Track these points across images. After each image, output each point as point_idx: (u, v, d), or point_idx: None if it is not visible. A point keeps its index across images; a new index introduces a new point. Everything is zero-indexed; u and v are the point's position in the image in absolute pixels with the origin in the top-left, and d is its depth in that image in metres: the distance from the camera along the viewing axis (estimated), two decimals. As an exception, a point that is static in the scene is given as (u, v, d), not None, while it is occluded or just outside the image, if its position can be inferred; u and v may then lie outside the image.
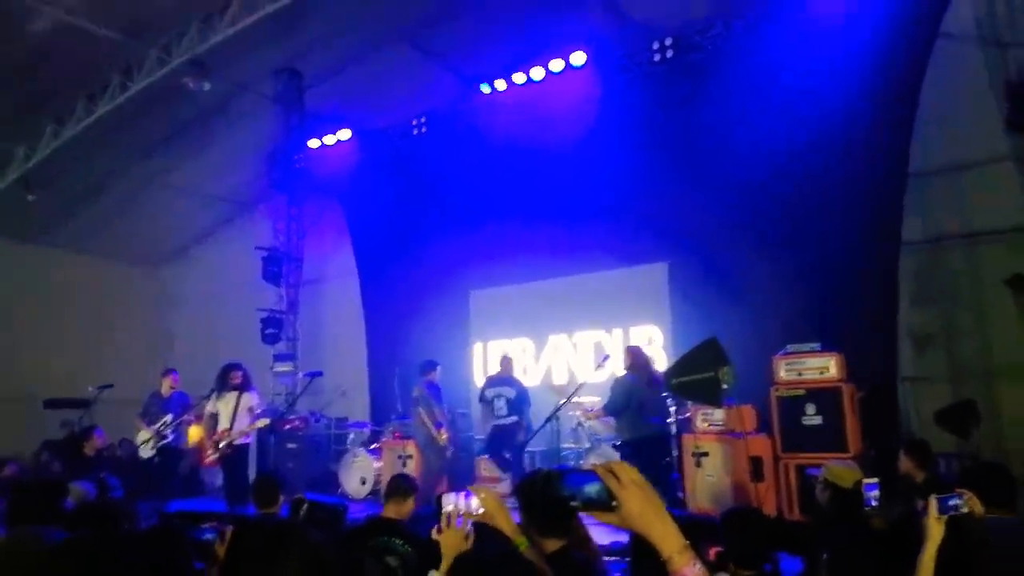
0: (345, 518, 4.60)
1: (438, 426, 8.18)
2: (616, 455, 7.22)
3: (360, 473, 9.46)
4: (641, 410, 6.61)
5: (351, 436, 10.39)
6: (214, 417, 7.70)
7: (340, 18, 8.30)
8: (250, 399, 7.80)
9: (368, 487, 9.34)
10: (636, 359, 6.92)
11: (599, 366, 7.06)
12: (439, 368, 8.62)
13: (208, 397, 7.85)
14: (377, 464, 9.37)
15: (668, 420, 7.21)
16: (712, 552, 3.14)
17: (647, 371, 6.87)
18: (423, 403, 8.28)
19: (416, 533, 3.50)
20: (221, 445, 7.53)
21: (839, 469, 3.98)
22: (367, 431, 10.52)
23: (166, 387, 8.20)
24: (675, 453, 7.88)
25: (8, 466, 7.88)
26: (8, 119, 10.74)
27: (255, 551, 1.52)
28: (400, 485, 4.18)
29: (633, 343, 9.12)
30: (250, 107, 10.40)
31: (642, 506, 1.26)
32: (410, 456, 8.76)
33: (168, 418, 7.92)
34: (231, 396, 7.69)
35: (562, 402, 7.17)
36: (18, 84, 9.87)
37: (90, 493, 4.13)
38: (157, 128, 10.94)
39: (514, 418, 8.08)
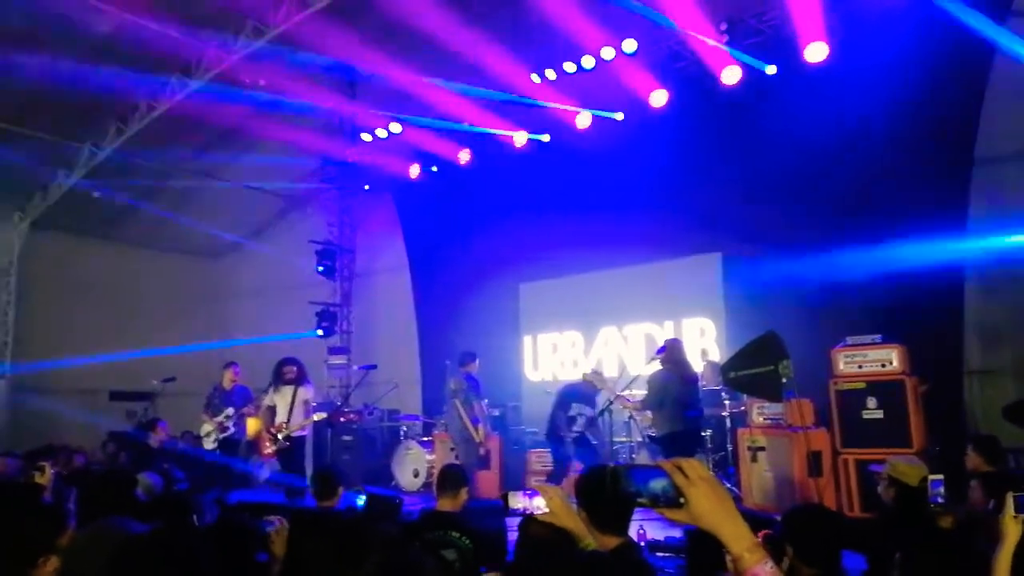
0: (400, 511, 4.66)
1: (475, 421, 8.07)
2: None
3: (413, 465, 9.58)
4: (675, 405, 6.51)
5: (404, 429, 10.52)
6: (271, 410, 7.88)
7: (392, 10, 8.34)
8: (305, 392, 7.97)
9: (421, 479, 9.45)
10: (672, 354, 6.78)
11: (652, 359, 6.96)
12: (478, 360, 8.48)
13: (266, 391, 8.04)
14: (429, 456, 9.46)
15: (703, 415, 7.11)
16: (761, 535, 3.08)
17: (682, 366, 6.75)
18: (460, 396, 8.14)
19: (472, 525, 3.51)
20: (280, 437, 7.70)
21: (904, 465, 3.86)
22: (419, 423, 10.64)
23: (227, 380, 8.41)
24: (728, 447, 7.80)
25: (76, 457, 8.16)
26: (74, 119, 11.13)
27: (328, 547, 1.54)
28: (452, 477, 4.15)
29: (683, 335, 9.07)
30: (305, 102, 10.55)
31: (711, 503, 1.24)
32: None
33: (229, 411, 8.14)
34: (287, 390, 7.87)
35: (612, 398, 7.12)
36: (82, 84, 10.20)
37: (157, 485, 4.25)
38: (215, 124, 11.19)
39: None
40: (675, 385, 6.56)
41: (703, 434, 7.59)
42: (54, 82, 9.73)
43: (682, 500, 1.24)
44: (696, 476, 1.25)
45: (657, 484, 1.27)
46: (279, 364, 8.12)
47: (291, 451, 7.83)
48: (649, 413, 7.00)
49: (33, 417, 12.12)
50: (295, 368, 8.06)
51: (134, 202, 12.82)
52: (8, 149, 11.35)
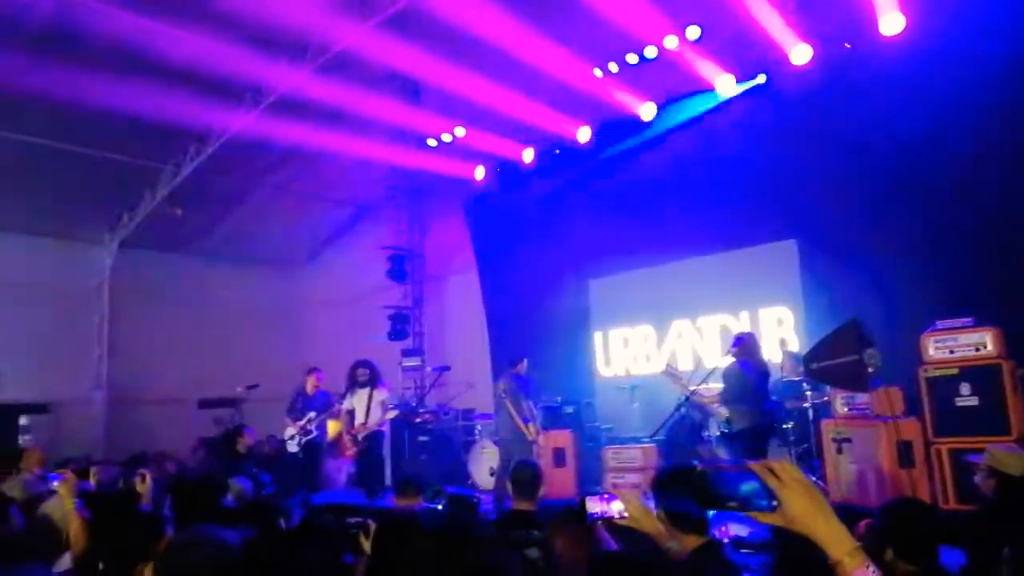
0: (479, 510, 4.70)
1: (525, 420, 8.19)
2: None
3: (489, 464, 9.64)
4: (755, 398, 6.43)
5: (478, 427, 10.60)
6: (350, 414, 8.11)
7: (451, 16, 8.43)
8: (380, 394, 8.19)
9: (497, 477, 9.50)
10: (748, 346, 6.69)
11: (728, 352, 6.82)
12: (526, 361, 8.64)
13: (345, 395, 8.28)
14: (506, 455, 9.51)
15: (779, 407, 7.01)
16: (862, 525, 2.96)
17: (758, 357, 6.68)
18: (510, 396, 8.28)
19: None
20: (359, 438, 7.90)
21: (1005, 455, 3.67)
22: (493, 422, 10.70)
23: (310, 385, 8.71)
24: (812, 440, 7.56)
25: (168, 464, 8.54)
26: (156, 142, 11.68)
27: (421, 548, 1.56)
28: (529, 475, 4.10)
29: (760, 326, 8.86)
30: (370, 112, 10.77)
31: (806, 506, 1.21)
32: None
33: (312, 415, 8.41)
34: (363, 392, 8.11)
35: (687, 394, 7.01)
36: (163, 108, 10.68)
37: (247, 489, 4.41)
38: (286, 138, 11.54)
39: None
40: (751, 378, 6.44)
41: (785, 427, 7.40)
42: (138, 108, 10.22)
43: (775, 503, 1.22)
44: (789, 478, 1.23)
45: (748, 487, 1.24)
46: (352, 368, 8.38)
47: (368, 450, 8.03)
48: (724, 409, 6.89)
49: (128, 426, 12.80)
50: (367, 371, 8.36)
51: (214, 217, 13.36)
52: (98, 173, 12.02)
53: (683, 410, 7.20)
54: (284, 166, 12.66)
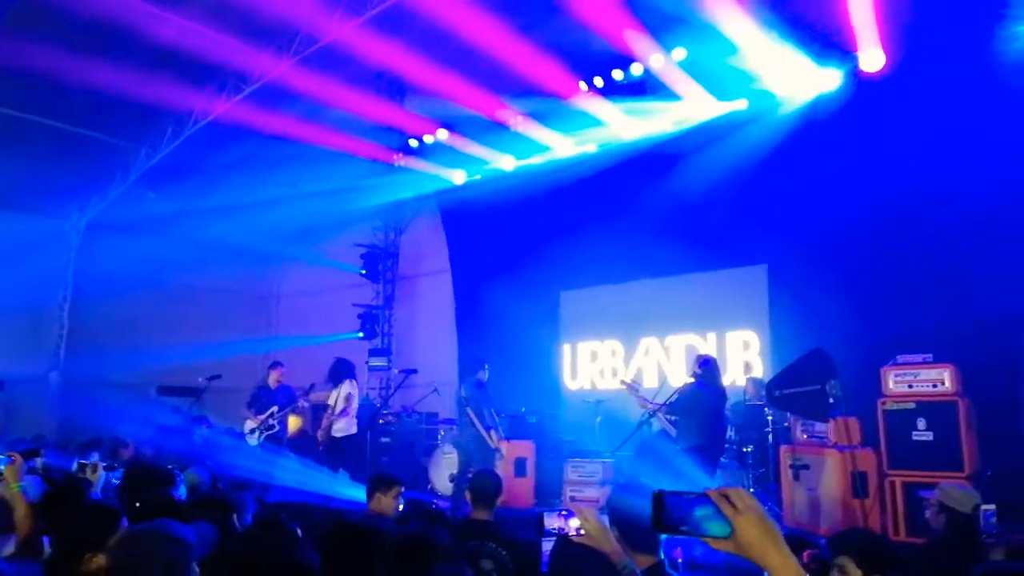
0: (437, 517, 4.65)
1: (487, 428, 8.16)
2: None
3: (449, 470, 9.58)
4: (707, 416, 6.54)
5: (441, 433, 10.54)
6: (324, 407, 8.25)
7: (440, 18, 8.43)
8: (349, 386, 8.40)
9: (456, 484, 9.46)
10: (711, 368, 6.80)
11: (695, 372, 6.87)
12: (487, 366, 8.59)
13: (308, 391, 8.27)
14: (466, 461, 9.46)
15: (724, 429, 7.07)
16: (806, 555, 3.01)
17: (718, 382, 6.82)
18: (471, 403, 8.24)
19: (507, 535, 3.49)
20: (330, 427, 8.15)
21: (956, 492, 3.74)
22: (456, 428, 10.66)
23: (273, 379, 8.64)
24: (770, 464, 7.65)
25: (123, 449, 8.36)
26: (132, 122, 11.49)
27: (385, 558, 1.54)
28: (487, 485, 4.06)
29: (727, 348, 8.95)
30: (353, 108, 10.72)
31: (759, 535, 1.21)
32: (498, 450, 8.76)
33: (274, 409, 8.33)
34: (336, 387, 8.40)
35: (649, 409, 7.06)
36: (142, 89, 10.52)
37: (204, 481, 4.33)
38: (266, 128, 11.43)
39: None
40: (709, 397, 6.58)
41: (745, 450, 7.48)
42: (116, 86, 10.05)
43: (729, 530, 1.22)
44: (744, 506, 1.23)
45: (702, 512, 1.24)
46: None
47: (337, 450, 8.16)
48: (670, 418, 7.01)
49: (83, 410, 12.50)
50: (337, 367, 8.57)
51: (186, 203, 13.16)
52: (72, 149, 11.79)
53: (645, 427, 7.23)
54: (262, 156, 12.52)
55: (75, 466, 4.26)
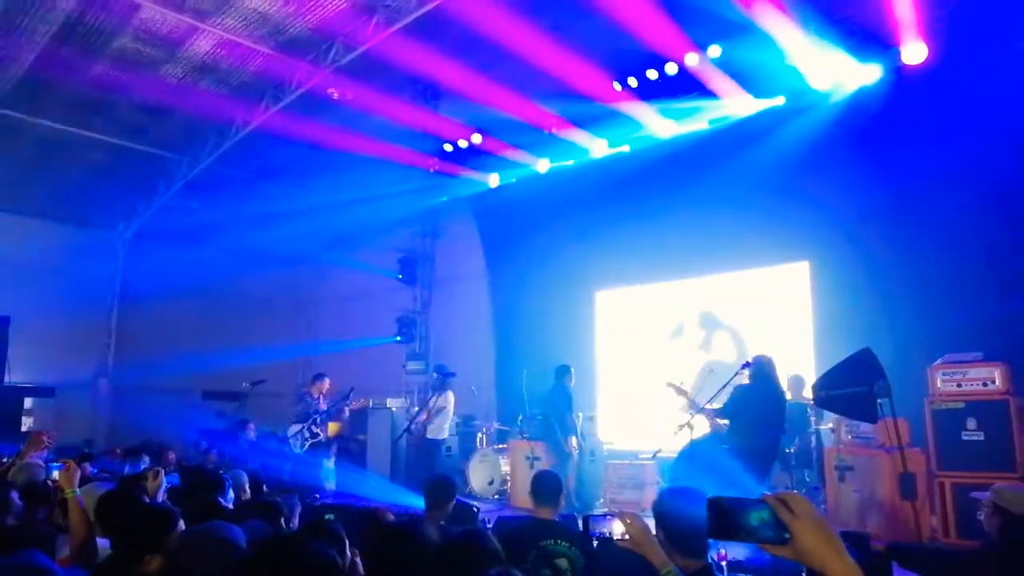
0: (477, 519, 4.68)
1: (568, 434, 8.15)
2: None
3: (488, 472, 9.62)
4: (754, 420, 6.22)
5: (479, 435, 10.57)
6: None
7: (474, 24, 8.47)
8: (444, 399, 9.03)
9: (495, 487, 9.48)
10: (757, 369, 6.47)
11: (738, 373, 6.77)
12: (572, 372, 8.58)
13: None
14: (505, 464, 9.49)
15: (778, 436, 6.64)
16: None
17: (767, 382, 6.41)
18: (553, 408, 8.24)
19: (580, 535, 3.50)
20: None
21: (1011, 493, 3.63)
22: (495, 430, 10.68)
23: (316, 390, 8.87)
24: (814, 466, 7.52)
25: (169, 453, 8.55)
26: (175, 134, 11.78)
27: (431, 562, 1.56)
28: (551, 485, 4.02)
29: (771, 346, 8.78)
30: (389, 115, 10.84)
31: (817, 541, 1.20)
32: (538, 458, 8.75)
33: (317, 417, 8.53)
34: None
35: (693, 409, 6.97)
36: (184, 99, 10.79)
37: (248, 483, 4.41)
38: (304, 136, 11.62)
39: None
40: (756, 400, 6.32)
41: (788, 451, 7.33)
42: (158, 99, 10.32)
43: (786, 535, 1.21)
44: (802, 512, 1.22)
45: (758, 517, 1.23)
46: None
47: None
48: (722, 421, 6.84)
49: (130, 415, 12.80)
50: (439, 376, 9.30)
51: (228, 212, 13.42)
52: (117, 161, 12.12)
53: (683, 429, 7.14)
54: (300, 165, 12.73)
55: (126, 470, 4.36)
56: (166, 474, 4.18)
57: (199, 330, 14.03)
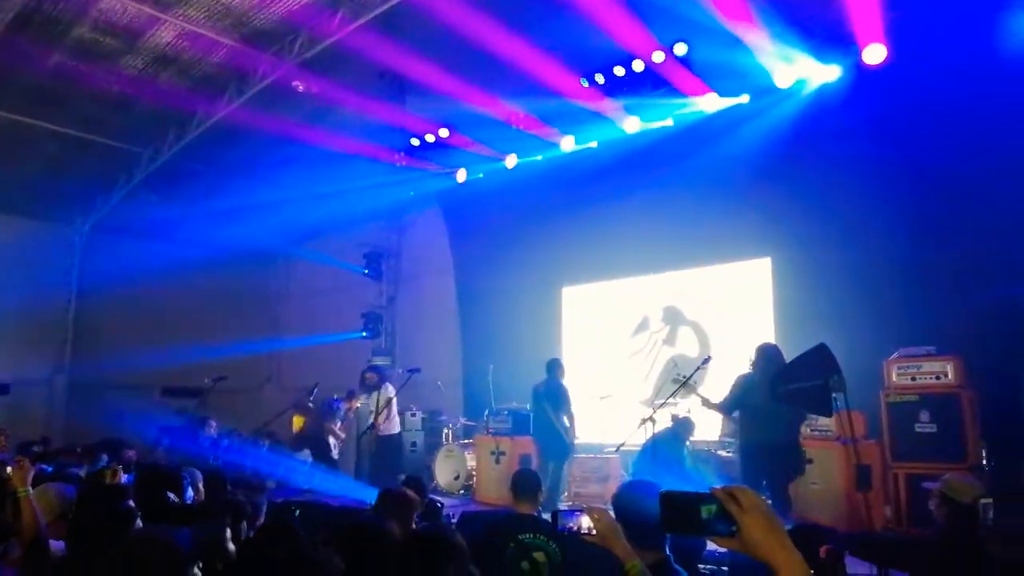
0: (441, 515, 4.69)
1: (564, 428, 8.12)
2: None
3: (454, 468, 9.63)
4: (756, 413, 6.06)
5: (445, 431, 10.57)
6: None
7: (441, 18, 8.45)
8: (388, 392, 9.04)
9: (461, 482, 9.49)
10: (759, 357, 6.27)
11: (699, 368, 6.85)
12: (563, 366, 8.51)
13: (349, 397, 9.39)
14: (471, 459, 9.50)
15: (797, 428, 6.35)
16: (823, 551, 3.03)
17: (765, 371, 6.12)
18: (551, 402, 8.16)
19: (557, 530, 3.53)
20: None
21: (958, 483, 3.76)
22: (460, 425, 10.69)
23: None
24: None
25: (127, 452, 8.40)
26: (135, 126, 11.54)
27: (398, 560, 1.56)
28: (530, 481, 4.11)
29: (732, 342, 8.91)
30: (355, 109, 10.76)
31: (763, 533, 1.22)
32: (503, 453, 8.79)
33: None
34: (373, 395, 8.95)
35: (652, 412, 7.03)
36: (144, 91, 10.58)
37: (205, 481, 4.35)
38: (268, 130, 11.48)
39: None
40: (755, 388, 6.09)
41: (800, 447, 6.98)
42: (118, 91, 10.10)
43: (734, 528, 1.24)
44: (750, 504, 1.24)
45: (708, 511, 1.25)
46: (362, 373, 9.36)
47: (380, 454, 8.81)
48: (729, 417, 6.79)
49: (88, 411, 12.55)
50: (375, 375, 9.21)
51: (190, 206, 13.21)
52: (74, 154, 11.84)
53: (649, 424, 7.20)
54: (265, 157, 12.56)
55: (83, 472, 4.29)
56: (125, 472, 4.12)
57: (159, 326, 13.79)
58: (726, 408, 6.45)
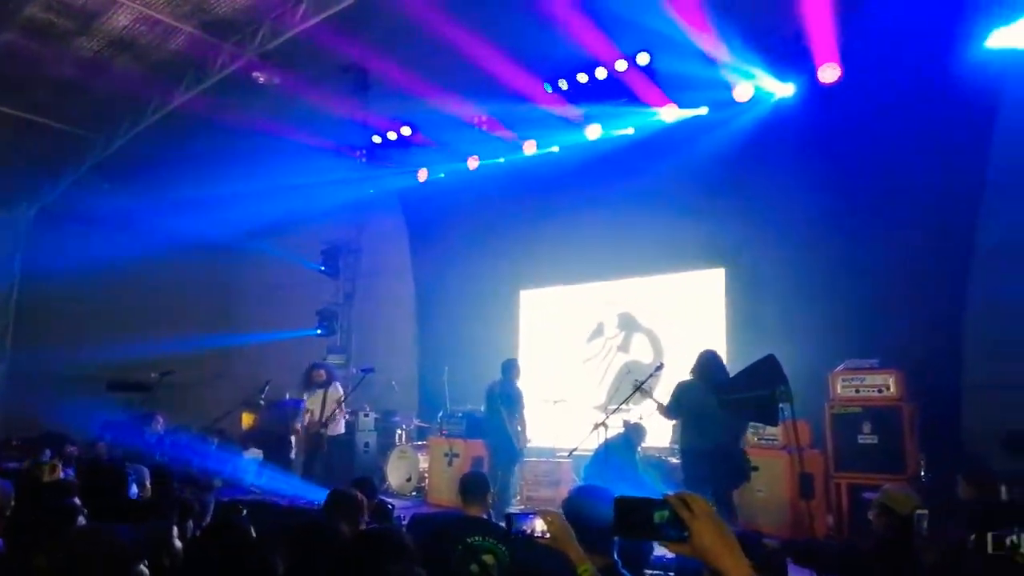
0: (391, 516, 4.68)
1: (522, 431, 8.04)
2: None
3: (406, 469, 9.57)
4: (698, 418, 6.11)
5: (399, 432, 10.50)
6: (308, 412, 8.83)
7: (406, 17, 8.42)
8: (336, 392, 8.90)
9: (413, 483, 9.44)
10: (699, 363, 6.36)
11: (651, 375, 6.95)
12: (519, 367, 8.40)
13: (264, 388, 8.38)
14: (424, 461, 9.45)
15: (738, 435, 6.41)
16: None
17: (713, 379, 6.23)
18: (506, 403, 8.03)
19: (506, 532, 3.54)
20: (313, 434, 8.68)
21: (897, 494, 3.88)
22: (414, 426, 10.63)
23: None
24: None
25: (69, 447, 8.17)
26: (88, 112, 11.23)
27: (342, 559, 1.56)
28: (479, 483, 4.11)
29: (684, 349, 9.02)
30: (317, 103, 10.64)
31: (714, 539, 1.26)
32: (456, 455, 8.75)
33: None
34: (319, 393, 8.75)
35: (605, 418, 7.11)
36: (98, 75, 10.30)
37: (151, 478, 4.26)
38: (227, 122, 11.26)
39: None
40: (694, 394, 6.16)
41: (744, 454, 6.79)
42: (71, 74, 9.80)
43: (686, 534, 1.27)
44: (700, 511, 1.28)
45: (660, 516, 1.28)
46: (308, 369, 9.03)
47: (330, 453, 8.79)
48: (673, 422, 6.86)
49: (28, 404, 12.15)
50: (324, 372, 8.99)
51: (143, 196, 12.90)
52: (21, 136, 11.46)
53: (601, 429, 7.28)
54: (222, 149, 12.32)
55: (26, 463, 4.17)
56: (65, 467, 4.01)
57: (107, 317, 13.42)
58: (669, 413, 6.53)
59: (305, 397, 8.99)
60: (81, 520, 2.61)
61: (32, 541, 2.36)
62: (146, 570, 2.00)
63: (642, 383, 6.54)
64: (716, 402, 6.07)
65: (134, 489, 3.77)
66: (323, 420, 8.60)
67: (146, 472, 4.26)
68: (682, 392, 6.30)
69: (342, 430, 9.21)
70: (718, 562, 1.26)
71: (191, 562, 2.40)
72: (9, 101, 10.68)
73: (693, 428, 6.21)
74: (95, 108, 11.24)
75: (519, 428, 8.03)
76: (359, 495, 3.78)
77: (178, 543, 2.81)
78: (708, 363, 6.32)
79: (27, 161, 12.42)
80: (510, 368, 8.27)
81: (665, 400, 6.49)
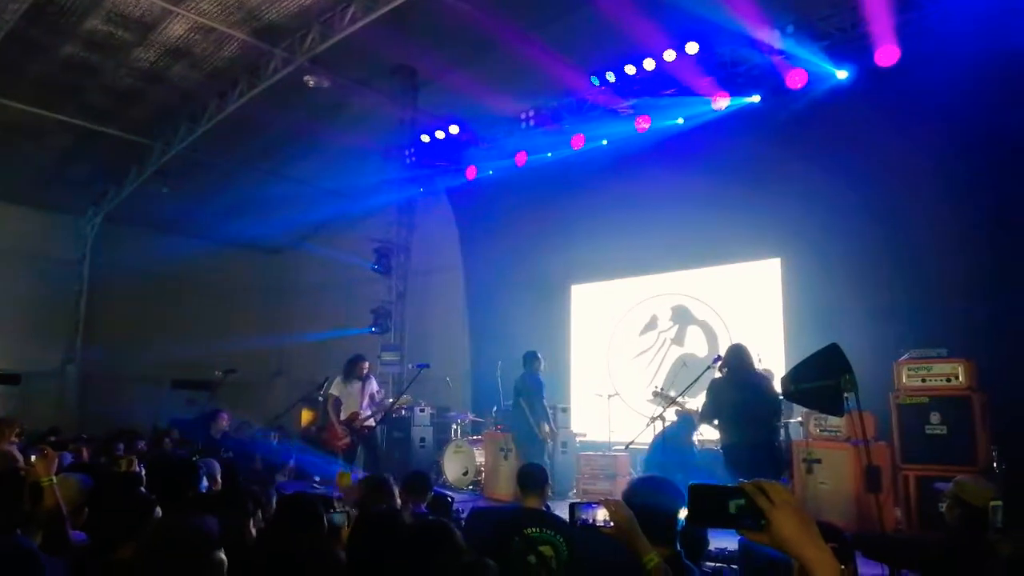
0: (451, 509, 4.72)
1: (539, 420, 8.09)
2: None
3: (462, 463, 9.65)
4: (735, 413, 6.12)
5: (454, 426, 10.59)
6: (339, 401, 8.56)
7: (453, 16, 8.46)
8: (372, 386, 8.86)
9: (470, 477, 9.51)
10: (727, 358, 6.40)
11: (709, 367, 6.86)
12: (541, 358, 8.45)
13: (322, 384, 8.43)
14: (479, 455, 9.52)
15: (775, 428, 6.50)
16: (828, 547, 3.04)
17: (741, 372, 6.30)
18: (525, 395, 8.16)
19: (565, 524, 3.56)
20: (356, 427, 8.48)
21: (971, 485, 3.74)
22: (469, 421, 10.71)
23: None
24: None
25: (138, 443, 8.45)
26: (147, 117, 11.59)
27: (402, 549, 1.59)
28: (537, 475, 4.13)
29: (743, 342, 8.89)
30: (366, 104, 10.78)
31: (795, 529, 1.22)
32: (511, 449, 8.78)
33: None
34: (358, 384, 8.67)
35: (662, 409, 7.04)
36: (156, 84, 10.63)
37: (219, 473, 4.39)
38: (280, 125, 11.51)
39: None
40: (729, 391, 6.24)
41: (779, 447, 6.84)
42: (130, 83, 10.12)
43: (763, 523, 1.23)
44: (780, 500, 1.24)
45: (736, 505, 1.26)
46: (354, 360, 8.88)
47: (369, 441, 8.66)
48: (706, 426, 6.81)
49: (98, 403, 12.66)
50: (368, 365, 8.95)
51: (201, 198, 13.27)
52: (87, 145, 11.90)
53: (663, 424, 7.23)
54: (276, 151, 12.61)
55: (102, 458, 4.32)
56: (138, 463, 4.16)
57: (170, 318, 13.88)
58: (706, 416, 6.53)
59: (339, 384, 8.80)
60: (157, 512, 2.70)
61: (114, 533, 2.45)
62: (224, 558, 2.06)
63: (700, 375, 6.46)
64: (748, 398, 6.15)
65: (204, 483, 3.89)
66: (386, 412, 8.69)
67: (217, 466, 4.39)
68: (717, 391, 6.30)
69: (373, 424, 9.04)
70: (800, 552, 1.22)
71: (265, 550, 2.46)
72: (72, 111, 11.09)
73: (731, 424, 6.21)
74: (154, 115, 11.60)
75: (537, 419, 8.06)
76: (390, 480, 3.96)
77: (252, 531, 2.91)
78: (736, 356, 6.34)
79: (92, 169, 12.91)
80: (531, 360, 8.34)
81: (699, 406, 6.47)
